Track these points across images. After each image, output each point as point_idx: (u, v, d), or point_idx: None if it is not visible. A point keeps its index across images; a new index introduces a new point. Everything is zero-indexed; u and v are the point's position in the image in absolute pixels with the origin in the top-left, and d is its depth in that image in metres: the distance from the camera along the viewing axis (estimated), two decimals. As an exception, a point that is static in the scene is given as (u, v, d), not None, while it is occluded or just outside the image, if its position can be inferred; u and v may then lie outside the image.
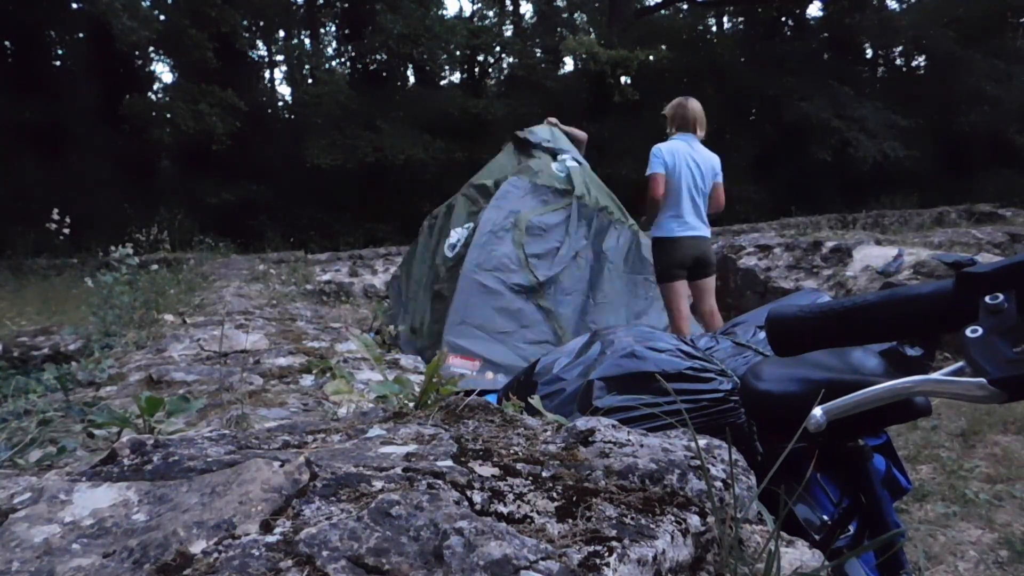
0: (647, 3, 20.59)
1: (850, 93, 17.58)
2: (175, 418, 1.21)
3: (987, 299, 0.66)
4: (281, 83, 22.67)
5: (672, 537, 0.62)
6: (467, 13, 22.66)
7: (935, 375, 0.74)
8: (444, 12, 20.10)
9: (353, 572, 0.53)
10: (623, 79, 16.59)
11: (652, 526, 0.62)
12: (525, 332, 4.17)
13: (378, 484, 0.67)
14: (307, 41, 21.00)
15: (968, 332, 0.65)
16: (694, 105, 4.21)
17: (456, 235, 4.58)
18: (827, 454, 1.05)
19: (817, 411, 0.77)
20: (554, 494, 0.68)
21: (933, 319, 0.73)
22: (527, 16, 23.07)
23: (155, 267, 4.21)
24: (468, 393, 1.05)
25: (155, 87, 18.76)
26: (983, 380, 0.63)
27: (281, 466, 0.69)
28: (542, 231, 4.50)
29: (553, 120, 5.28)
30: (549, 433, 0.90)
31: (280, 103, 21.41)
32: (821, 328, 0.80)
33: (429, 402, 1.02)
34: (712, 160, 4.22)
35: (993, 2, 18.60)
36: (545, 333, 4.21)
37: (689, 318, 4.18)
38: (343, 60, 20.88)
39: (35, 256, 10.60)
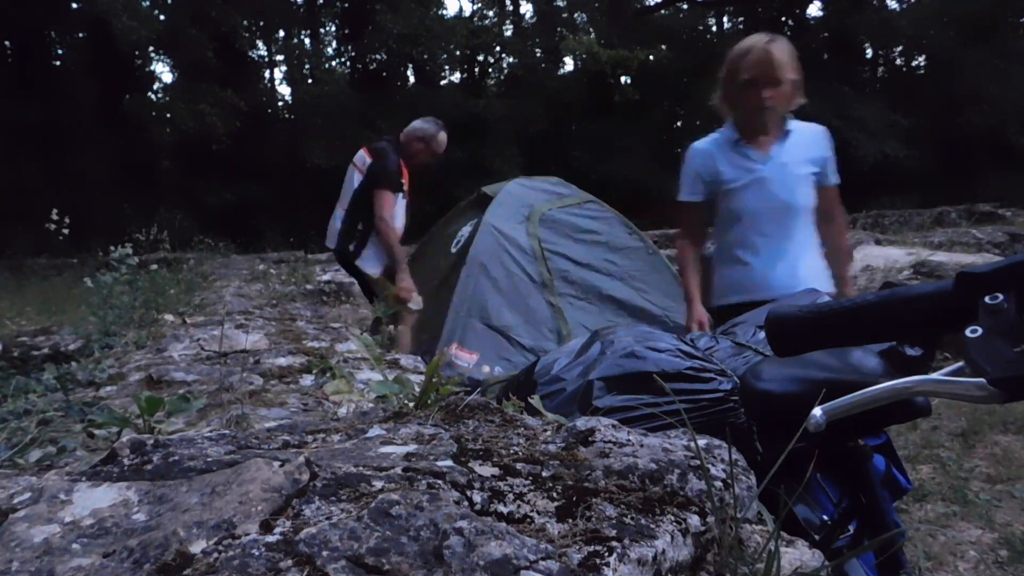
0: (647, 3, 20.61)
1: (850, 93, 17.57)
2: (175, 418, 1.21)
3: (987, 299, 0.66)
4: (281, 83, 22.64)
5: (672, 537, 0.62)
6: (467, 13, 22.63)
7: (935, 375, 0.74)
8: (444, 12, 20.12)
9: (353, 572, 0.53)
10: (623, 79, 16.59)
11: (652, 526, 0.62)
12: (530, 328, 4.12)
13: (378, 484, 0.67)
14: (307, 41, 21.00)
15: (968, 332, 0.65)
16: None
17: (461, 233, 4.55)
18: (827, 454, 1.05)
19: (817, 411, 0.77)
20: (554, 494, 0.68)
21: (933, 319, 0.73)
22: (527, 16, 23.08)
23: (155, 267, 4.18)
24: (468, 392, 1.05)
25: (155, 87, 18.80)
26: (983, 380, 0.63)
27: (281, 466, 0.69)
28: (557, 224, 4.44)
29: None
30: (549, 433, 0.90)
31: (280, 103, 21.40)
32: (821, 328, 0.80)
33: (429, 402, 1.02)
34: None
35: (993, 2, 18.59)
36: (550, 332, 4.16)
37: None
38: (343, 60, 20.89)
39: (35, 256, 10.58)
